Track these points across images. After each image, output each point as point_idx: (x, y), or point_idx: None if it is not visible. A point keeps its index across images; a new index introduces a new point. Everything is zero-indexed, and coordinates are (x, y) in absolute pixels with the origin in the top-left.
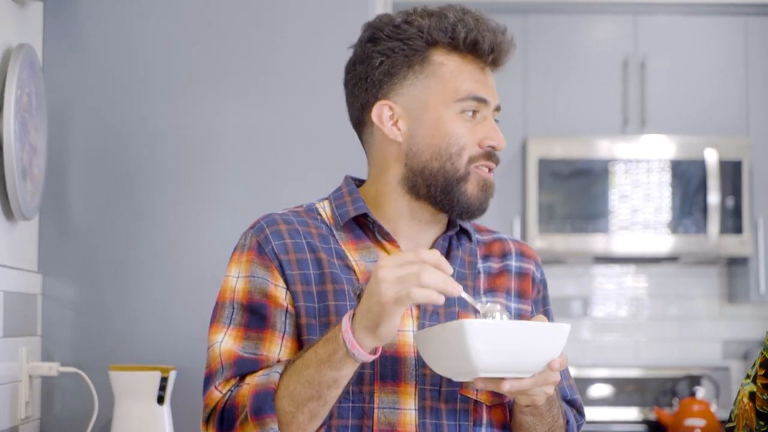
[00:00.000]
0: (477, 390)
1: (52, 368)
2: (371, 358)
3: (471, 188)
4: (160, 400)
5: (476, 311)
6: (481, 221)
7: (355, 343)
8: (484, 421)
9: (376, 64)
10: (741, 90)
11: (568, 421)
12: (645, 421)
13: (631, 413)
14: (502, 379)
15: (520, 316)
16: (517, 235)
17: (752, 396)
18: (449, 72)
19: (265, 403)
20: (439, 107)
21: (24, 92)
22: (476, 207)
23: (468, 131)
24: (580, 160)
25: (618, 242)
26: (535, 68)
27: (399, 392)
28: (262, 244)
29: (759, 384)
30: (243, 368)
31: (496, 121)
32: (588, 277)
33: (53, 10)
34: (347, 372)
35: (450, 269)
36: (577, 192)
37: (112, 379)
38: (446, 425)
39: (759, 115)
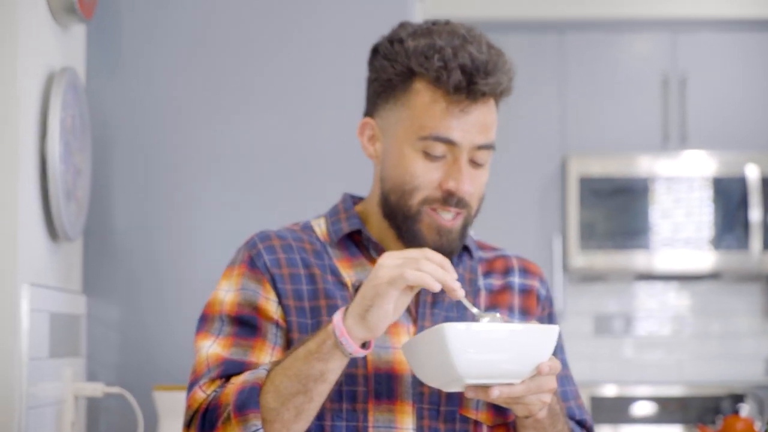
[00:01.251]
0: (477, 409)
1: (97, 389)
2: (360, 352)
3: (425, 230)
4: None
5: (473, 318)
6: (522, 238)
7: (344, 331)
8: None
9: (371, 80)
10: None
11: None
12: None
13: (675, 431)
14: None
15: None
16: (557, 252)
17: None
18: (421, 105)
19: (249, 399)
20: (403, 141)
21: (68, 115)
22: (432, 249)
23: (426, 171)
24: (621, 178)
25: (659, 259)
26: (573, 86)
27: (395, 411)
28: (254, 258)
29: None
30: (230, 369)
31: (477, 164)
32: (630, 295)
33: (95, 33)
34: (335, 366)
35: (455, 273)
36: (618, 209)
37: (156, 399)
38: None
39: None
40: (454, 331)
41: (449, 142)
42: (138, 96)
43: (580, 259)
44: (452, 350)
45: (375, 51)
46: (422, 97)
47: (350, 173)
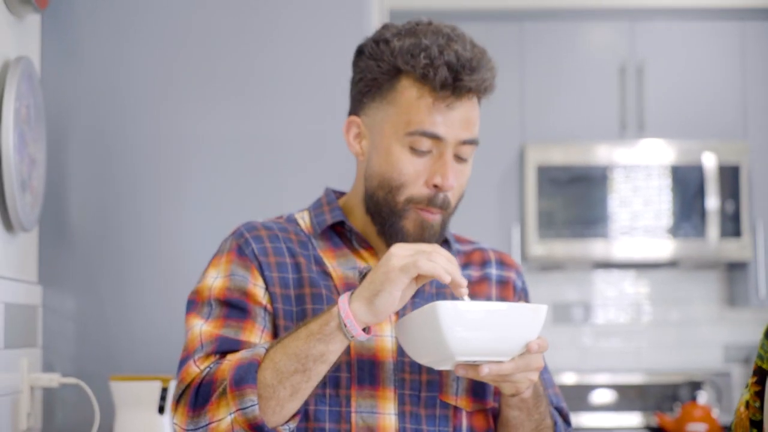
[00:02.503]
0: (456, 395)
1: (53, 379)
2: (362, 335)
3: (408, 225)
4: (161, 410)
5: None
6: (481, 227)
7: (350, 313)
8: (464, 427)
9: (356, 80)
10: (738, 94)
11: (555, 422)
12: (647, 427)
13: (634, 419)
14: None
15: None
16: (516, 241)
17: (748, 404)
18: (406, 102)
19: (248, 374)
20: (391, 137)
21: (23, 105)
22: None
23: (413, 167)
24: (579, 166)
25: (618, 248)
26: (532, 75)
27: (377, 396)
28: (242, 246)
29: (751, 391)
30: (224, 345)
31: (461, 159)
32: (588, 283)
33: (50, 23)
34: (336, 347)
35: (459, 270)
36: (577, 198)
37: (112, 390)
38: (426, 431)
39: (756, 119)
40: (446, 308)
41: (435, 137)
42: (94, 86)
43: (539, 248)
44: (444, 328)
45: (360, 52)
46: (408, 94)
47: (303, 166)
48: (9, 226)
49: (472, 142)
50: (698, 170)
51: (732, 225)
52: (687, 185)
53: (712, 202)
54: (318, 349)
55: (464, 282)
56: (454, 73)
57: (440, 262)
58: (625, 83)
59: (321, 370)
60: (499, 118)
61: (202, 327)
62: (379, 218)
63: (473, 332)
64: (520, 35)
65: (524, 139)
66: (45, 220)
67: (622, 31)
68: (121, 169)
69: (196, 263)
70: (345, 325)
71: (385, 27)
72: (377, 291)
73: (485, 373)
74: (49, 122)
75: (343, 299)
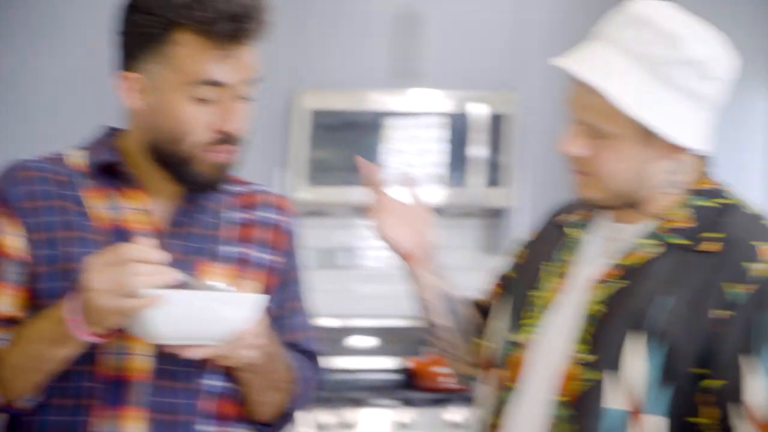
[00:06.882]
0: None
1: None
2: (105, 338)
3: (199, 169)
4: None
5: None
6: (245, 172)
7: (85, 333)
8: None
9: (127, 33)
10: (509, 45)
11: (301, 376)
12: (402, 369)
13: (394, 362)
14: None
15: (271, 267)
16: (283, 187)
17: None
18: (184, 54)
19: None
20: (170, 90)
21: None
22: (206, 184)
23: (197, 116)
24: (351, 113)
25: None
26: (305, 20)
27: (128, 338)
28: (4, 190)
29: None
30: None
31: (245, 99)
32: (354, 229)
33: None
34: (78, 348)
35: (160, 256)
36: (348, 144)
37: None
38: (180, 371)
39: (526, 71)
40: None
41: (219, 85)
42: None
43: (307, 194)
44: (144, 315)
45: (132, 6)
46: (187, 46)
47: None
48: None
49: (255, 81)
50: (467, 119)
51: (497, 174)
52: (457, 134)
53: (480, 151)
54: (60, 354)
55: (172, 275)
56: (238, 23)
57: (144, 283)
58: (399, 31)
59: (62, 366)
60: (270, 62)
61: None
62: (171, 168)
63: (173, 320)
64: None
65: (296, 85)
66: None
67: None
68: None
69: None
70: (84, 339)
71: None
72: (103, 323)
73: (186, 356)
74: None
75: (71, 318)
